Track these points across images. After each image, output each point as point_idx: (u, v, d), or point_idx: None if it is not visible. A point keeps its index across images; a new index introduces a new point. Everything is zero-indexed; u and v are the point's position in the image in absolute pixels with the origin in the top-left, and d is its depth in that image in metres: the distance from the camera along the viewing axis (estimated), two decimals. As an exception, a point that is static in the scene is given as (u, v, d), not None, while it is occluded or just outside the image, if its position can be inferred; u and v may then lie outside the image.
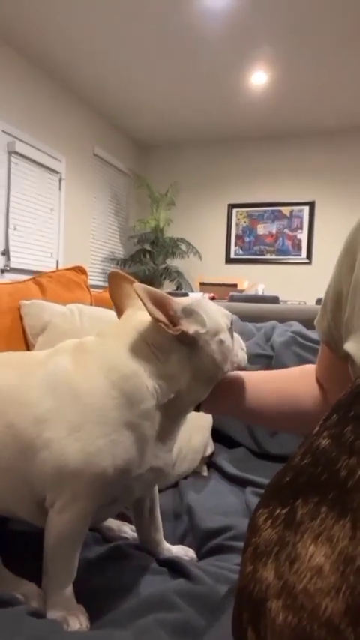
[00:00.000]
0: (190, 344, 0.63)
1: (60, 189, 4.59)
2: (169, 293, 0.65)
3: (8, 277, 3.81)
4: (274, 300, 3.37)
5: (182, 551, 0.80)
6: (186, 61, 4.07)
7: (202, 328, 0.64)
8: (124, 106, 5.04)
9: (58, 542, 0.61)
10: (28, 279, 1.38)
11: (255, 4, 3.28)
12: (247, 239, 5.92)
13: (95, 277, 5.10)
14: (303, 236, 5.69)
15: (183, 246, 5.62)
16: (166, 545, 0.79)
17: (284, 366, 1.30)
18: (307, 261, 5.64)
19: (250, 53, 3.92)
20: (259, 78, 4.32)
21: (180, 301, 0.64)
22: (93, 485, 0.59)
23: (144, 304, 0.59)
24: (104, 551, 0.76)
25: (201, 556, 0.81)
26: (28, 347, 1.22)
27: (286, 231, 5.76)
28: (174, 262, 5.67)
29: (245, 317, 1.58)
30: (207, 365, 0.64)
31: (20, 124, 4.03)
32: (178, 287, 5.44)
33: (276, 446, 1.27)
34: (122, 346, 0.64)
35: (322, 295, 0.69)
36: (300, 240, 5.71)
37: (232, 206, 5.92)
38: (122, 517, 0.86)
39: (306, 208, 5.64)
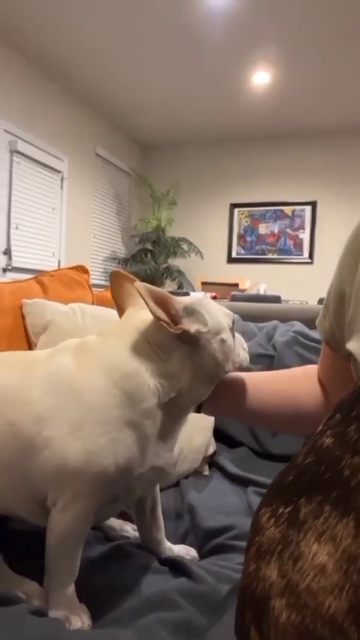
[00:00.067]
0: (191, 343, 0.63)
1: (62, 188, 4.60)
2: (171, 292, 0.65)
3: (10, 276, 3.82)
4: (276, 299, 3.37)
5: (184, 551, 0.80)
6: (188, 60, 4.07)
7: (203, 327, 0.64)
8: (126, 106, 5.04)
9: (60, 541, 0.61)
10: (30, 279, 1.39)
11: (257, 4, 3.28)
12: (248, 239, 5.92)
13: (97, 277, 5.11)
14: (305, 236, 5.68)
15: (185, 246, 5.62)
16: (168, 544, 0.79)
17: (286, 365, 1.30)
18: (309, 260, 5.64)
19: (252, 53, 3.92)
20: (260, 78, 4.31)
21: (181, 300, 0.64)
22: (94, 484, 0.59)
23: (146, 303, 0.59)
24: (106, 550, 0.76)
25: (203, 555, 0.81)
26: (30, 346, 1.23)
27: (288, 230, 5.76)
28: (176, 262, 5.67)
29: (247, 317, 1.57)
30: (208, 364, 0.64)
31: (22, 123, 4.04)
32: (180, 286, 5.44)
33: (277, 446, 1.27)
34: (123, 345, 0.64)
35: (324, 295, 0.69)
36: (302, 240, 5.70)
37: (233, 206, 5.92)
38: (124, 516, 0.86)
39: (308, 208, 5.64)
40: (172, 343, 0.63)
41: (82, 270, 1.50)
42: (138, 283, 0.60)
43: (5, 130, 3.87)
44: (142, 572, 0.71)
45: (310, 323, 1.43)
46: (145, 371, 0.62)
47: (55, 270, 1.49)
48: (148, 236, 5.64)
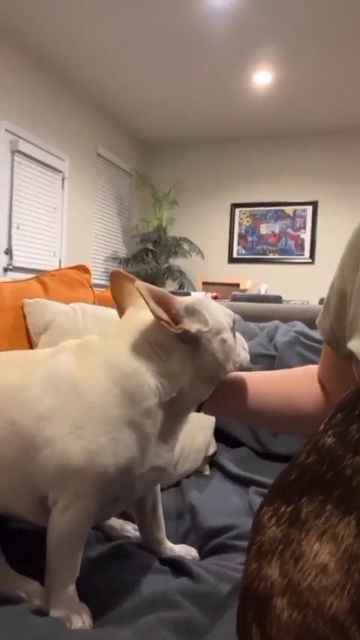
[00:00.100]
0: (192, 343, 0.63)
1: (63, 188, 4.60)
2: (172, 292, 0.65)
3: (11, 276, 3.82)
4: (277, 299, 3.37)
5: (185, 550, 0.80)
6: (189, 60, 4.07)
7: (204, 327, 0.64)
8: (127, 106, 5.05)
9: (60, 540, 0.61)
10: (31, 278, 1.39)
11: (258, 4, 3.28)
12: (249, 239, 5.92)
13: (98, 276, 5.11)
14: (306, 236, 5.68)
15: (186, 246, 5.62)
16: (169, 544, 0.79)
17: (287, 365, 1.30)
18: (310, 261, 5.64)
19: (254, 53, 3.92)
20: (262, 77, 4.31)
21: (182, 300, 0.64)
22: (95, 484, 0.59)
23: (146, 302, 0.59)
24: (107, 550, 0.76)
25: (203, 555, 0.81)
26: (31, 345, 1.23)
27: (289, 230, 5.76)
28: (177, 262, 5.67)
29: (248, 317, 1.57)
30: (209, 364, 0.64)
31: (23, 123, 4.04)
32: (181, 286, 5.45)
33: (279, 446, 1.27)
34: (124, 345, 0.64)
35: (325, 295, 0.69)
36: (303, 240, 5.70)
37: (234, 206, 5.92)
38: (125, 516, 0.86)
39: (309, 208, 5.64)
40: (173, 343, 0.63)
41: (84, 269, 1.50)
42: (139, 283, 0.60)
43: (6, 130, 3.87)
44: (142, 572, 0.71)
45: (311, 323, 1.43)
46: (145, 370, 0.62)
47: (57, 270, 1.49)
48: (149, 236, 5.65)
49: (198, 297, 0.69)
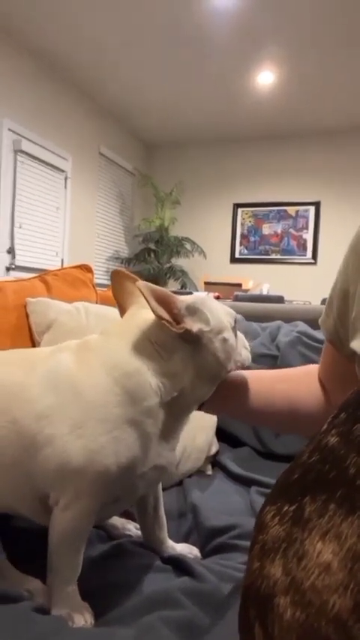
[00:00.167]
0: (193, 342, 0.63)
1: (65, 187, 4.60)
2: (174, 292, 0.65)
3: (13, 275, 3.82)
4: (279, 300, 3.37)
5: (187, 549, 0.80)
6: (192, 60, 4.07)
7: (205, 326, 0.64)
8: (129, 105, 5.05)
9: (62, 539, 0.61)
10: (34, 277, 1.39)
11: (261, 4, 3.27)
12: (252, 239, 5.92)
13: (100, 276, 5.11)
14: (308, 236, 5.68)
15: (188, 246, 5.62)
16: (171, 543, 0.79)
17: (289, 366, 1.30)
18: (312, 261, 5.63)
19: (257, 53, 3.92)
20: (265, 77, 4.31)
21: (184, 299, 0.64)
22: (96, 483, 0.59)
23: (147, 302, 0.59)
24: (108, 548, 0.76)
25: (205, 554, 0.81)
26: (33, 344, 1.23)
27: (292, 231, 5.75)
28: (179, 261, 5.67)
29: (250, 317, 1.57)
30: (210, 363, 0.64)
31: (26, 122, 4.04)
32: (183, 286, 5.44)
33: (280, 446, 1.27)
34: (125, 344, 0.64)
35: (327, 296, 0.69)
36: (305, 241, 5.70)
37: (237, 205, 5.92)
38: (127, 515, 0.86)
39: (311, 208, 5.63)
40: (174, 342, 0.63)
41: (86, 269, 1.50)
42: (140, 282, 0.60)
43: (9, 129, 3.87)
44: (144, 571, 0.71)
45: (313, 323, 1.43)
46: (146, 370, 0.62)
47: (59, 269, 1.49)
48: (152, 235, 5.64)
49: (199, 296, 0.69)
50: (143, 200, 5.99)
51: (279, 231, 5.80)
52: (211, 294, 3.65)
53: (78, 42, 3.88)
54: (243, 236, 5.94)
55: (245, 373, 0.73)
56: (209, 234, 5.88)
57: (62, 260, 4.56)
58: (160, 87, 4.60)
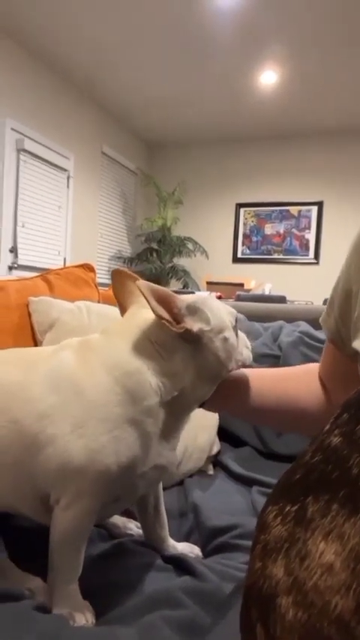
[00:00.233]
0: (194, 342, 0.63)
1: (68, 187, 4.61)
2: (176, 291, 0.65)
3: (16, 274, 3.83)
4: (281, 300, 3.37)
5: (188, 549, 0.80)
6: (195, 60, 4.07)
7: (206, 326, 0.63)
8: (132, 105, 5.05)
9: (63, 538, 0.61)
10: (36, 276, 1.39)
11: (265, 3, 3.27)
12: (254, 238, 5.91)
13: (102, 275, 5.11)
14: (311, 236, 5.67)
15: (190, 245, 5.62)
16: (172, 542, 0.79)
17: (291, 365, 1.30)
18: (315, 261, 5.63)
19: (260, 52, 3.91)
20: (268, 77, 4.30)
21: (184, 299, 0.64)
22: (97, 483, 0.59)
23: (147, 302, 0.59)
24: (109, 547, 0.76)
25: (206, 554, 0.81)
26: (36, 343, 1.23)
27: (294, 231, 5.75)
28: (181, 261, 5.67)
29: (252, 317, 1.57)
30: (211, 363, 0.64)
31: (29, 121, 4.05)
32: (185, 286, 5.44)
33: (282, 445, 1.26)
34: (126, 344, 0.64)
35: (329, 296, 0.68)
36: (307, 241, 5.69)
37: (239, 205, 5.91)
38: (127, 514, 0.86)
39: (314, 208, 5.63)
40: (175, 342, 0.63)
41: (89, 268, 1.50)
42: (140, 282, 0.60)
43: (12, 129, 3.88)
44: (145, 570, 0.71)
45: (315, 323, 1.43)
46: (147, 369, 0.62)
47: (62, 269, 1.49)
48: (154, 235, 5.65)
49: (200, 295, 0.68)
50: (146, 199, 5.99)
51: (281, 231, 5.80)
52: (213, 294, 3.65)
53: (80, 41, 3.88)
54: (245, 236, 5.94)
55: (246, 371, 0.73)
56: (211, 234, 5.88)
57: (65, 259, 4.56)
58: (163, 86, 4.59)
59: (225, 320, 0.66)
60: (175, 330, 0.61)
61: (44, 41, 3.89)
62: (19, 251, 4.00)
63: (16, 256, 3.98)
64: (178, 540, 0.82)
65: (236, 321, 0.68)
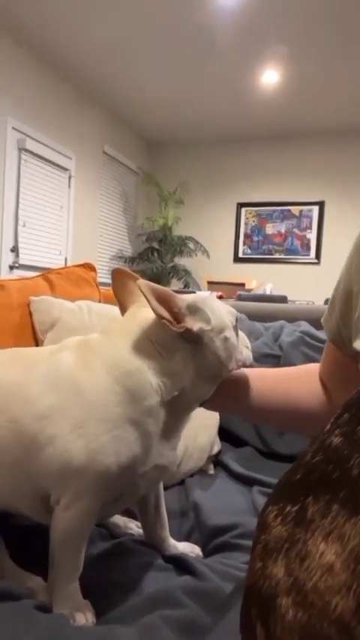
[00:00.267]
0: (194, 341, 0.63)
1: (69, 186, 4.61)
2: (177, 291, 0.65)
3: (17, 274, 3.83)
4: (283, 299, 3.36)
5: (188, 548, 0.80)
6: (196, 59, 4.07)
7: (206, 325, 0.63)
8: (133, 104, 5.05)
9: (63, 538, 0.61)
10: (37, 276, 1.39)
11: (267, 3, 3.26)
12: (255, 238, 5.91)
13: (103, 275, 5.10)
14: (312, 236, 5.66)
15: (191, 245, 5.62)
16: (172, 541, 0.79)
17: (292, 365, 1.30)
18: (316, 261, 5.62)
19: (261, 52, 3.91)
20: (269, 77, 4.30)
21: (184, 298, 0.64)
22: (97, 483, 0.59)
23: (148, 301, 0.58)
24: (110, 547, 0.76)
25: (207, 553, 0.81)
26: (37, 343, 1.23)
27: (295, 230, 5.74)
28: (182, 261, 5.67)
29: (253, 316, 1.57)
30: (211, 362, 0.64)
31: (30, 121, 4.05)
32: (186, 285, 5.44)
33: (283, 445, 1.26)
34: (126, 343, 0.64)
35: (330, 295, 0.68)
36: (309, 240, 5.69)
37: (240, 205, 5.91)
38: (128, 513, 0.86)
39: (315, 208, 5.62)
40: (175, 342, 0.63)
41: (90, 267, 1.51)
42: (140, 281, 0.60)
43: (13, 128, 3.88)
44: (146, 570, 0.71)
45: (316, 323, 1.42)
46: (147, 369, 0.62)
47: (63, 268, 1.49)
48: (155, 235, 5.64)
49: (200, 295, 0.68)
50: (147, 199, 5.99)
51: (283, 230, 5.80)
52: (214, 294, 3.65)
53: (81, 41, 3.88)
54: (246, 235, 5.93)
55: (247, 371, 0.73)
56: (213, 234, 5.88)
57: (66, 259, 4.56)
58: (164, 86, 4.59)
59: (225, 320, 0.66)
60: (176, 330, 0.61)
61: (46, 40, 3.89)
62: (21, 250, 4.00)
63: (17, 256, 3.98)
64: (179, 540, 0.82)
65: (236, 320, 0.68)
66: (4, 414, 0.62)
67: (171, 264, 5.59)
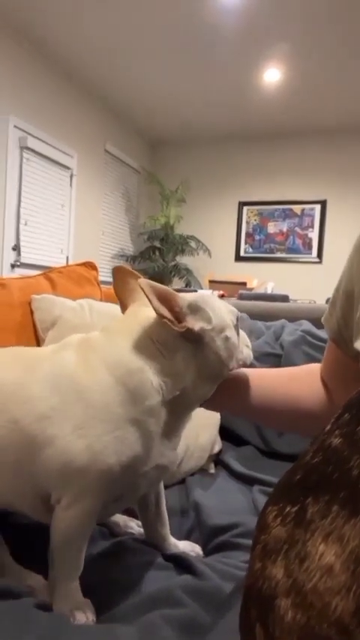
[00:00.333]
0: (195, 341, 0.63)
1: (71, 185, 4.61)
2: (178, 290, 0.65)
3: (18, 272, 3.83)
4: (284, 298, 3.36)
5: (189, 547, 0.80)
6: (198, 58, 4.06)
7: (207, 325, 0.63)
8: (135, 103, 5.04)
9: (64, 538, 0.61)
10: (38, 274, 1.39)
11: (268, 1, 3.25)
12: (257, 237, 5.90)
13: (105, 273, 5.10)
14: (314, 235, 5.66)
15: (193, 244, 5.61)
16: (173, 540, 0.79)
17: (293, 364, 1.29)
18: (318, 260, 5.61)
19: (263, 50, 3.90)
20: (271, 75, 4.29)
21: (185, 297, 0.63)
22: (98, 483, 0.59)
23: (149, 300, 0.58)
24: (110, 546, 0.76)
25: (207, 552, 0.81)
26: (38, 341, 1.23)
27: (297, 229, 5.74)
28: (184, 260, 5.67)
29: (255, 315, 1.57)
30: (212, 362, 0.64)
31: (32, 119, 4.05)
32: (188, 284, 5.44)
33: (284, 445, 1.26)
34: (127, 342, 0.63)
35: (331, 295, 0.68)
36: (311, 239, 5.68)
37: (242, 204, 5.90)
38: (129, 512, 0.86)
39: (317, 207, 5.61)
40: (176, 341, 0.63)
41: (91, 266, 1.51)
42: (141, 280, 0.59)
43: (15, 126, 3.88)
44: (146, 569, 0.71)
45: (318, 322, 1.42)
46: (148, 369, 0.62)
47: (64, 267, 1.49)
48: (157, 233, 5.64)
49: (201, 294, 0.68)
50: (148, 198, 5.99)
51: (284, 229, 5.79)
52: (216, 293, 3.64)
53: (83, 39, 3.88)
54: (248, 234, 5.93)
55: (247, 371, 0.72)
56: (214, 233, 5.87)
57: (67, 257, 4.57)
58: (166, 84, 4.59)
59: (226, 319, 0.66)
60: (177, 330, 0.61)
61: (48, 39, 3.88)
62: (22, 249, 4.00)
63: (18, 254, 3.98)
64: (179, 539, 0.82)
65: (237, 319, 0.68)
66: (5, 414, 0.62)
67: (173, 263, 5.59)
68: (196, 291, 3.26)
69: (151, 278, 0.61)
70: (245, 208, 5.91)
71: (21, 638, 0.52)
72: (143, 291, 0.58)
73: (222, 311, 0.66)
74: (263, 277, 5.09)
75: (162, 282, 0.60)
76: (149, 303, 0.59)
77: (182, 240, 5.58)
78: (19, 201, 3.95)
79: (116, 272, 0.72)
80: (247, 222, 5.92)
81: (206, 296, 0.67)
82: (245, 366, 0.70)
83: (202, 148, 5.94)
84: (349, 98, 4.60)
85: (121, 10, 3.45)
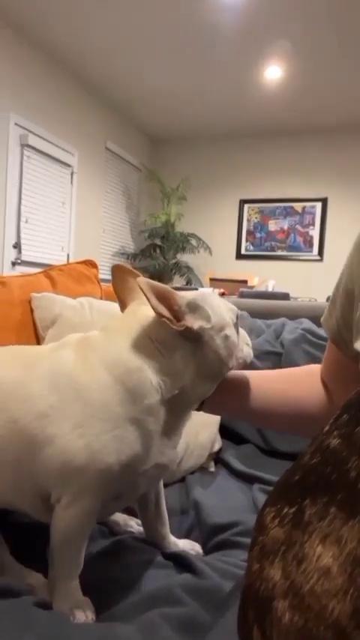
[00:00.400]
0: (194, 339, 0.62)
1: (72, 182, 4.60)
2: (179, 288, 0.65)
3: (19, 270, 3.83)
4: (285, 296, 3.35)
5: (189, 546, 0.80)
6: (199, 55, 4.05)
7: (206, 323, 0.63)
8: (136, 100, 5.03)
9: (64, 537, 0.61)
10: (39, 272, 1.39)
11: (270, -3, 3.25)
12: (258, 235, 5.89)
13: (105, 271, 5.09)
14: (315, 233, 5.65)
15: (193, 242, 5.61)
16: (173, 539, 0.79)
17: (294, 363, 1.29)
18: (319, 258, 5.61)
19: (265, 47, 3.89)
20: (272, 72, 4.28)
21: (184, 295, 0.63)
22: (98, 482, 0.59)
23: (148, 300, 0.58)
24: (110, 544, 0.76)
25: (207, 551, 0.81)
26: (38, 339, 1.23)
27: (298, 227, 5.73)
28: (184, 257, 5.66)
29: (255, 313, 1.57)
30: (212, 361, 0.64)
31: (33, 117, 4.04)
32: (188, 282, 5.44)
33: (284, 443, 1.26)
34: (126, 341, 0.63)
35: (331, 294, 0.68)
36: (311, 237, 5.67)
37: (243, 201, 5.89)
38: (128, 511, 0.86)
39: (318, 205, 5.60)
40: (175, 340, 0.62)
41: (91, 264, 1.50)
42: (140, 279, 0.59)
43: (16, 124, 3.87)
44: (146, 567, 0.71)
45: (318, 321, 1.41)
46: (147, 368, 0.61)
47: (65, 265, 1.49)
48: (157, 231, 5.64)
49: (201, 292, 0.68)
50: (149, 195, 5.98)
51: (285, 227, 5.78)
52: (217, 291, 3.64)
53: (84, 37, 3.87)
54: (249, 232, 5.92)
55: (246, 373, 0.72)
56: (215, 230, 5.87)
57: (68, 255, 4.56)
58: (167, 82, 4.57)
59: (226, 317, 0.65)
60: (176, 328, 0.60)
61: (48, 36, 3.87)
62: (23, 247, 4.00)
63: (19, 252, 3.98)
64: (179, 537, 0.82)
65: (237, 318, 0.68)
66: (5, 413, 0.62)
67: (173, 261, 5.58)
68: (196, 289, 3.26)
69: (152, 276, 0.61)
70: (246, 206, 5.90)
71: (21, 637, 0.52)
72: (142, 290, 0.58)
73: (221, 309, 0.66)
74: (264, 275, 5.09)
75: (162, 280, 0.60)
76: (148, 302, 0.58)
77: (183, 238, 5.58)
78: (20, 198, 3.95)
79: (115, 271, 0.71)
80: (248, 220, 5.92)
81: (205, 294, 0.66)
82: (245, 364, 0.69)
83: (203, 146, 5.93)
84: (351, 96, 4.59)
85: (122, 8, 3.44)
